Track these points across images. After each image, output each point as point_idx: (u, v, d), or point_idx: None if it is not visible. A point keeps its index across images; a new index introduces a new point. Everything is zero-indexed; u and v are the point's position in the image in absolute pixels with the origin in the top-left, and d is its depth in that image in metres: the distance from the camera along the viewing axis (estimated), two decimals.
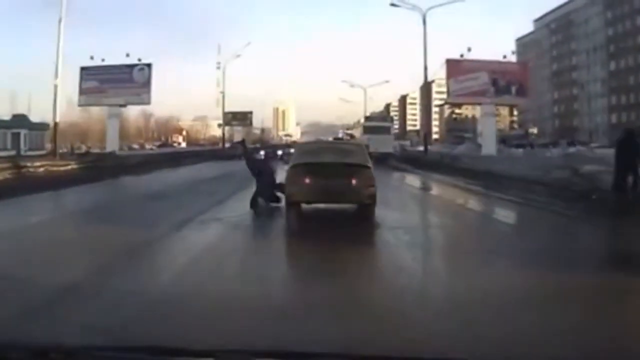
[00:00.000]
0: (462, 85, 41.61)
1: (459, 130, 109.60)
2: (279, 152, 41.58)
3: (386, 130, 39.58)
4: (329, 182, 10.71)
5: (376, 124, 44.60)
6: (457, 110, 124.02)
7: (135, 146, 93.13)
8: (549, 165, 21.53)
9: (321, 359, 2.29)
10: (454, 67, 41.59)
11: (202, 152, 57.30)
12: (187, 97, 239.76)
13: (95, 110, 64.89)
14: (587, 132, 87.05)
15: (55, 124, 33.28)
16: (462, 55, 41.82)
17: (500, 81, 41.42)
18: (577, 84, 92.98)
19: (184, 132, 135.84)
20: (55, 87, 31.71)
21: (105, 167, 29.20)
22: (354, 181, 10.79)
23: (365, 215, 11.06)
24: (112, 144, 47.61)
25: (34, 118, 67.83)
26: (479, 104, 43.31)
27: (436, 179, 24.50)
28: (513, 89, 41.83)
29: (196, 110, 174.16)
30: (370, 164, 11.50)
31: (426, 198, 18.91)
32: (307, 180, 10.86)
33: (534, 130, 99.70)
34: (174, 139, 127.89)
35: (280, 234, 10.47)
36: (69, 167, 27.55)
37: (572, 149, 36.71)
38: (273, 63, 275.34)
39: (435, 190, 21.19)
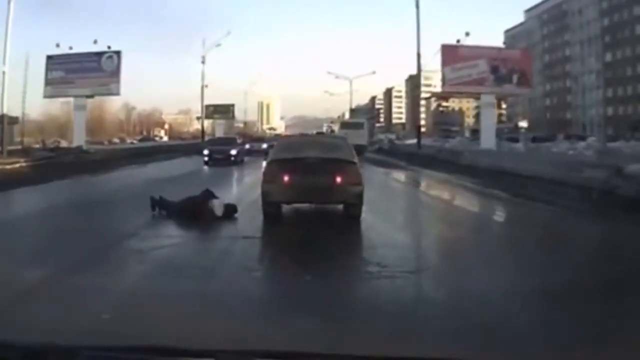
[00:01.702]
0: (459, 74, 37.86)
1: (445, 123, 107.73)
2: (233, 152, 30.09)
3: (360, 126, 44.30)
4: (310, 180, 9.61)
5: (352, 120, 53.64)
6: (443, 103, 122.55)
7: (116, 140, 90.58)
8: (573, 163, 18.23)
9: (321, 359, 2.17)
10: (450, 53, 37.80)
11: (180, 147, 53.61)
12: (171, 90, 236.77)
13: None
14: (581, 126, 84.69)
15: (3, 117, 29.47)
16: (458, 41, 38.25)
17: (501, 69, 37.83)
18: (570, 76, 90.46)
19: (166, 126, 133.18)
20: (3, 74, 27.91)
21: (61, 164, 25.80)
22: (338, 178, 9.73)
23: (350, 216, 9.87)
24: (79, 139, 44.11)
25: (11, 112, 63.87)
26: (478, 94, 39.69)
27: (443, 180, 20.69)
28: (514, 78, 38.16)
29: (181, 104, 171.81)
30: (356, 160, 10.39)
31: (445, 210, 13.56)
32: (286, 178, 9.72)
33: (524, 124, 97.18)
34: (156, 132, 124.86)
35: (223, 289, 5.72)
36: (17, 165, 24.12)
37: (582, 143, 33.51)
38: (258, 56, 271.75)
39: (447, 196, 16.94)
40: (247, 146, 38.85)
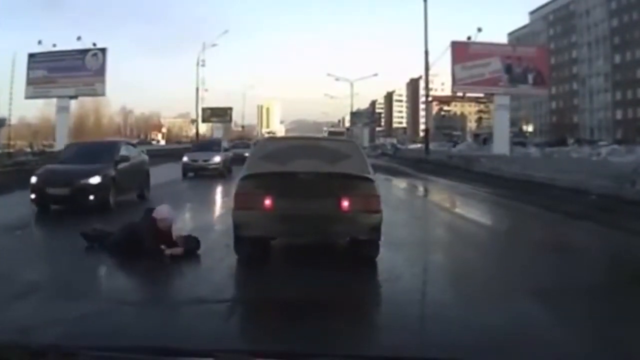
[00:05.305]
0: (470, 73, 34.95)
1: (447, 127, 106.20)
2: (93, 181, 12.39)
3: (341, 134, 52.53)
4: (303, 205, 6.71)
5: (336, 129, 66.76)
6: (445, 108, 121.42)
7: None
8: (619, 172, 15.38)
9: (321, 359, 2.17)
10: (460, 51, 34.90)
11: (174, 151, 50.53)
12: (171, 93, 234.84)
13: (73, 105, 58.66)
14: (588, 129, 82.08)
15: None
16: (469, 38, 35.33)
17: (516, 68, 34.97)
18: (577, 79, 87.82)
19: (164, 130, 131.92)
20: None
21: (29, 171, 22.97)
22: (344, 203, 6.74)
23: (362, 256, 6.98)
24: (61, 142, 41.12)
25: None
26: (491, 95, 36.80)
27: (466, 193, 17.47)
28: (530, 78, 35.29)
29: (180, 107, 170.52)
30: (371, 174, 7.20)
31: (494, 241, 9.77)
32: (268, 202, 6.75)
33: (530, 128, 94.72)
34: (153, 136, 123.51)
35: None
36: None
37: (605, 148, 30.65)
38: (257, 59, 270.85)
39: (484, 217, 12.81)
40: (186, 159, 23.39)
